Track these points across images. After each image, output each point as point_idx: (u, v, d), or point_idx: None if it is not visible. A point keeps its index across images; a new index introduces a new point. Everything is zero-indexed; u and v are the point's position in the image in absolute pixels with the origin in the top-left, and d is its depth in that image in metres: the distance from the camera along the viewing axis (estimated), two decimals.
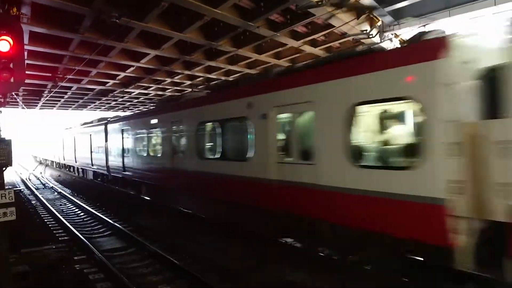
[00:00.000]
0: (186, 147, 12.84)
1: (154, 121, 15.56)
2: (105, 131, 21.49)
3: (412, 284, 6.53)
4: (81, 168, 29.15)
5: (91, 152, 24.40)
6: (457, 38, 5.72)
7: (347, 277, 7.05)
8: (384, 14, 14.27)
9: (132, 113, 20.36)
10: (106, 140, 21.41)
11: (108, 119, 22.75)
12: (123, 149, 18.79)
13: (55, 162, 40.27)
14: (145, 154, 16.47)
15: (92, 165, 24.60)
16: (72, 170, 33.12)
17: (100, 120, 24.19)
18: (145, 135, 16.51)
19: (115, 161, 20.01)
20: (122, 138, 18.82)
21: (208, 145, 12.17)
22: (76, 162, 29.54)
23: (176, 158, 13.43)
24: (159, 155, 15.14)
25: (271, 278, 7.20)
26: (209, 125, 11.92)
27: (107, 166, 21.42)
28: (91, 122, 25.65)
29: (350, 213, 7.05)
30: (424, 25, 14.84)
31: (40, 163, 50.21)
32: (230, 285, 7.05)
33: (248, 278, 7.22)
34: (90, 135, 24.34)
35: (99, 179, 25.03)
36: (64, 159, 34.35)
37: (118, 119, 21.17)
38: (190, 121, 12.55)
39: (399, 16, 14.95)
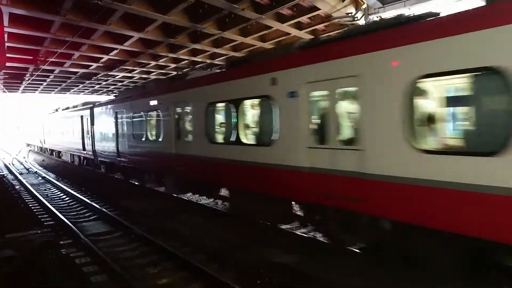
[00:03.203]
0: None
1: (54, 117, 31.36)
2: (42, 122, 36.36)
3: None
4: (38, 146, 43.05)
5: (43, 134, 37.30)
6: None
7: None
8: None
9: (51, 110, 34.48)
10: (43, 127, 36.47)
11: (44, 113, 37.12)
12: (43, 132, 35.74)
13: (28, 143, 51.87)
14: (50, 135, 33.01)
15: (39, 142, 40.13)
16: (38, 149, 44.73)
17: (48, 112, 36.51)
18: (53, 125, 31.79)
19: (49, 139, 34.81)
20: (43, 126, 35.76)
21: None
22: (37, 142, 42.85)
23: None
24: (56, 136, 30.80)
25: (257, 259, 7.31)
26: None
27: (43, 142, 37.97)
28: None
29: None
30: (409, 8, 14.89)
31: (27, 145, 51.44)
32: (217, 266, 7.16)
33: (235, 258, 7.33)
34: (42, 123, 36.98)
35: (41, 151, 41.40)
36: (30, 141, 48.55)
37: (41, 114, 37.64)
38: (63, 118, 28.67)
39: None
